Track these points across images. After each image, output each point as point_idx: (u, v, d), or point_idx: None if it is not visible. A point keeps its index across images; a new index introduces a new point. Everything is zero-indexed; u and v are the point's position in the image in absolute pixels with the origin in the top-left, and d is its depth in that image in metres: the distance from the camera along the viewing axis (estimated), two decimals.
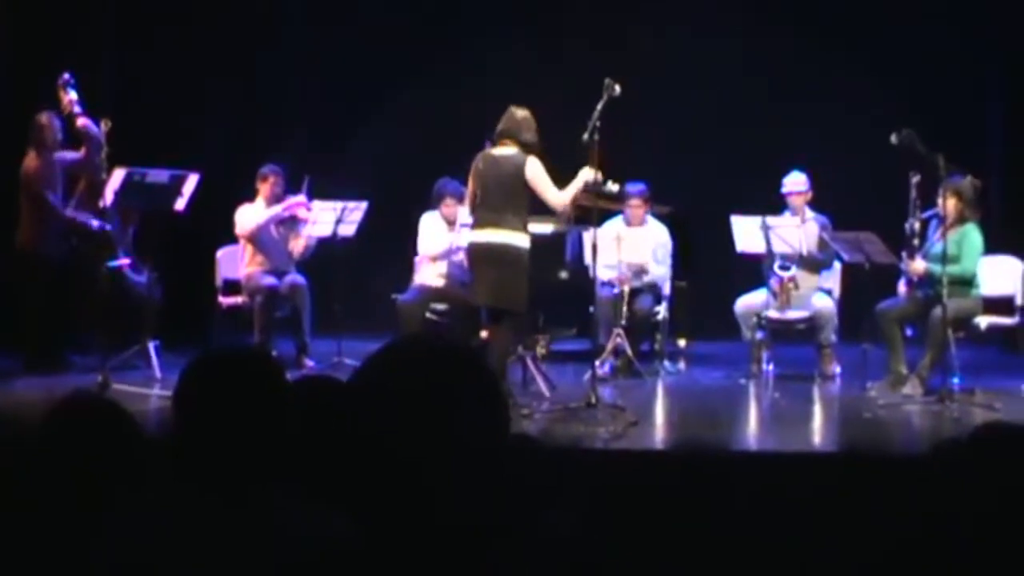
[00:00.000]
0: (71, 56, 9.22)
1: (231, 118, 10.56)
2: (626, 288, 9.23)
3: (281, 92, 11.12)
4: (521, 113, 7.89)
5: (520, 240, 7.77)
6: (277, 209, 9.39)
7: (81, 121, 8.79)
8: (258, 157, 9.75)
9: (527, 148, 7.81)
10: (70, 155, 8.99)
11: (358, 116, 10.95)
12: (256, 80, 10.88)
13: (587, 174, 7.68)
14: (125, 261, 9.07)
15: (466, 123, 9.00)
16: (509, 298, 7.80)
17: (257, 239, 9.38)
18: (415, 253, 9.37)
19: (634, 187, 9.39)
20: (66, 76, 8.79)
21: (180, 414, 2.39)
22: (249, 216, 9.37)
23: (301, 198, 9.39)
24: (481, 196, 7.86)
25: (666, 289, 9.63)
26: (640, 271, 9.39)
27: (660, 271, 9.51)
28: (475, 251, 7.93)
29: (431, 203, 9.28)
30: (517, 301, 7.83)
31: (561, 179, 7.79)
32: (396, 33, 11.18)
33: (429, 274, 9.28)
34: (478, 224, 7.89)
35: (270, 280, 9.27)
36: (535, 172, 7.75)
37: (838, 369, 9.09)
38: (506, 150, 7.84)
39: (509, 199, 7.77)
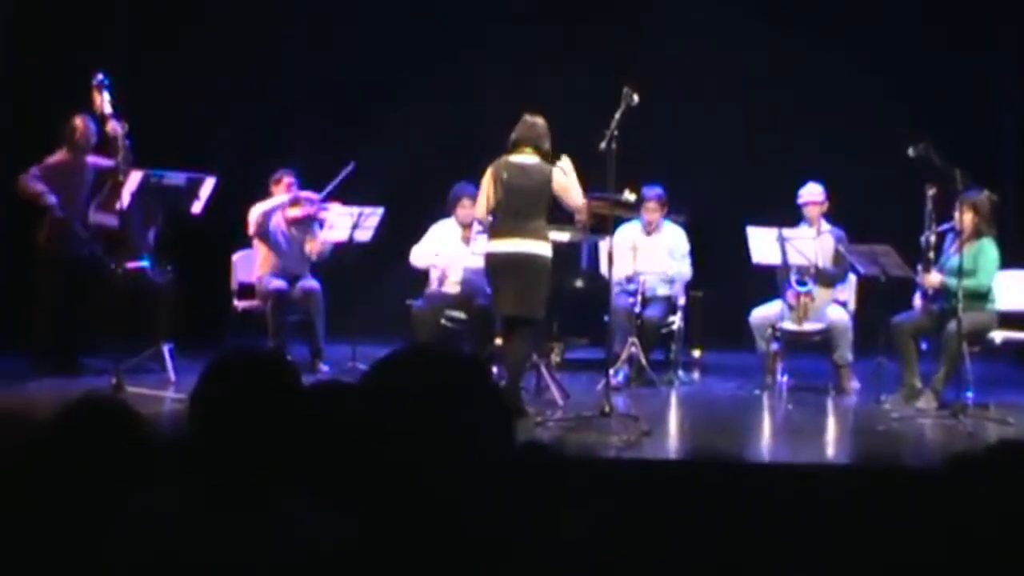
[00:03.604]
0: (88, 57, 9.16)
1: (247, 122, 10.56)
2: (642, 286, 9.25)
3: (297, 96, 11.13)
4: (539, 121, 7.83)
5: (545, 249, 7.71)
6: (284, 199, 9.39)
7: (111, 124, 8.58)
8: (274, 161, 9.77)
9: (545, 157, 7.80)
10: (104, 161, 8.88)
11: (374, 121, 10.95)
12: (272, 84, 10.90)
13: (566, 163, 7.78)
14: (145, 263, 9.04)
15: (480, 130, 8.99)
16: (531, 306, 7.73)
17: (271, 240, 9.38)
18: None
19: (651, 191, 9.42)
20: (100, 77, 8.49)
21: (197, 414, 2.39)
22: (256, 208, 9.36)
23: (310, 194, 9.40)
24: (505, 204, 7.72)
25: (681, 299, 9.62)
26: (665, 279, 9.41)
27: (678, 267, 9.50)
28: (498, 261, 7.76)
29: (446, 208, 9.28)
30: (538, 309, 7.79)
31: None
32: (412, 38, 11.18)
33: (445, 281, 9.27)
34: (500, 233, 7.77)
35: (279, 283, 9.27)
36: (562, 180, 7.74)
37: (857, 385, 9.06)
38: (528, 158, 7.76)
39: (535, 208, 7.71)
